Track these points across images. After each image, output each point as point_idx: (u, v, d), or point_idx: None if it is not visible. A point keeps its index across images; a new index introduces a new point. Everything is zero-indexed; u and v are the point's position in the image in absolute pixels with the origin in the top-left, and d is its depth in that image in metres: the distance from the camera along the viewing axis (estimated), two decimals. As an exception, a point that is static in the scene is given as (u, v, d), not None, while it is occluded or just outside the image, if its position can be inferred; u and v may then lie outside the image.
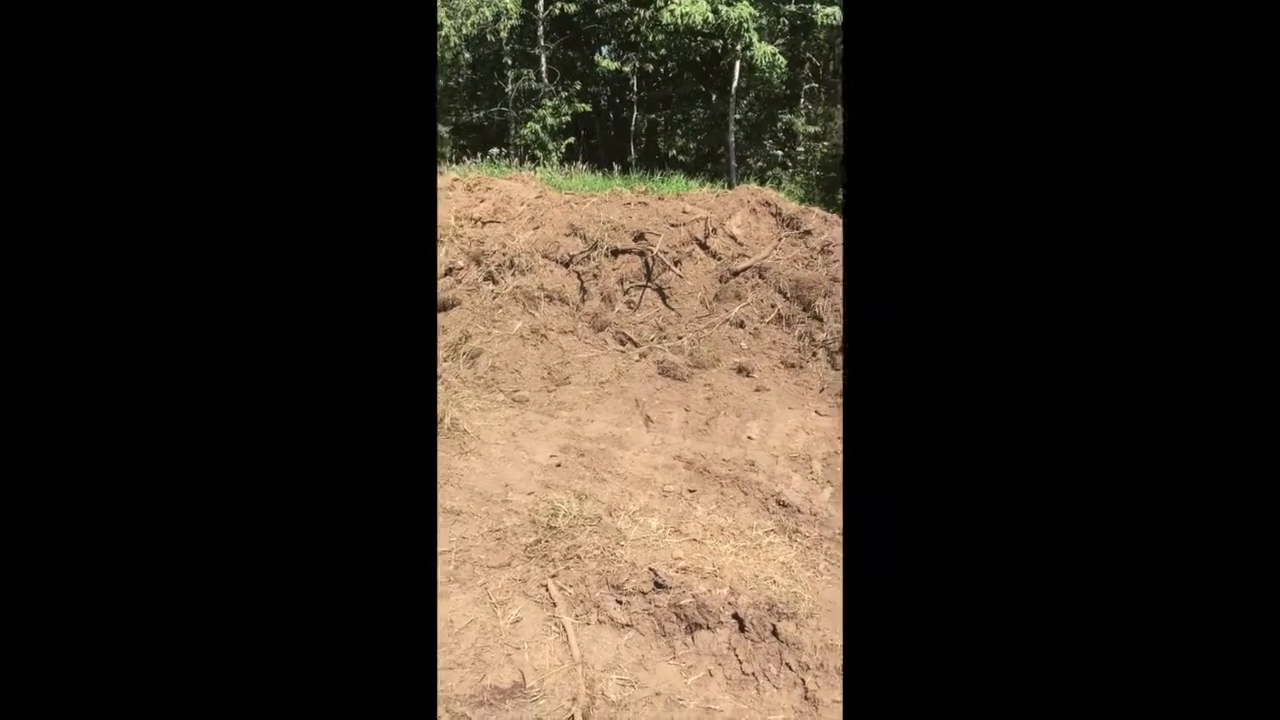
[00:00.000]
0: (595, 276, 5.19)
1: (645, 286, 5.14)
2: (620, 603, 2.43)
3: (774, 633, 2.31)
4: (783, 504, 3.22)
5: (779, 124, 16.58)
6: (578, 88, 14.95)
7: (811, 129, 15.66)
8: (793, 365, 4.55)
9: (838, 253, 5.00)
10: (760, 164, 16.01)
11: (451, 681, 2.12)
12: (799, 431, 3.96)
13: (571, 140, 14.50)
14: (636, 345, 4.82)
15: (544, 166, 10.39)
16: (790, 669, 2.22)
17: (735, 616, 2.37)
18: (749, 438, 3.88)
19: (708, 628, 2.34)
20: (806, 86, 16.49)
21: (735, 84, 14.59)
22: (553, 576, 2.59)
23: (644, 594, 2.46)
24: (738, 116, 15.69)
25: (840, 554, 2.92)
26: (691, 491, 3.30)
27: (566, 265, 5.26)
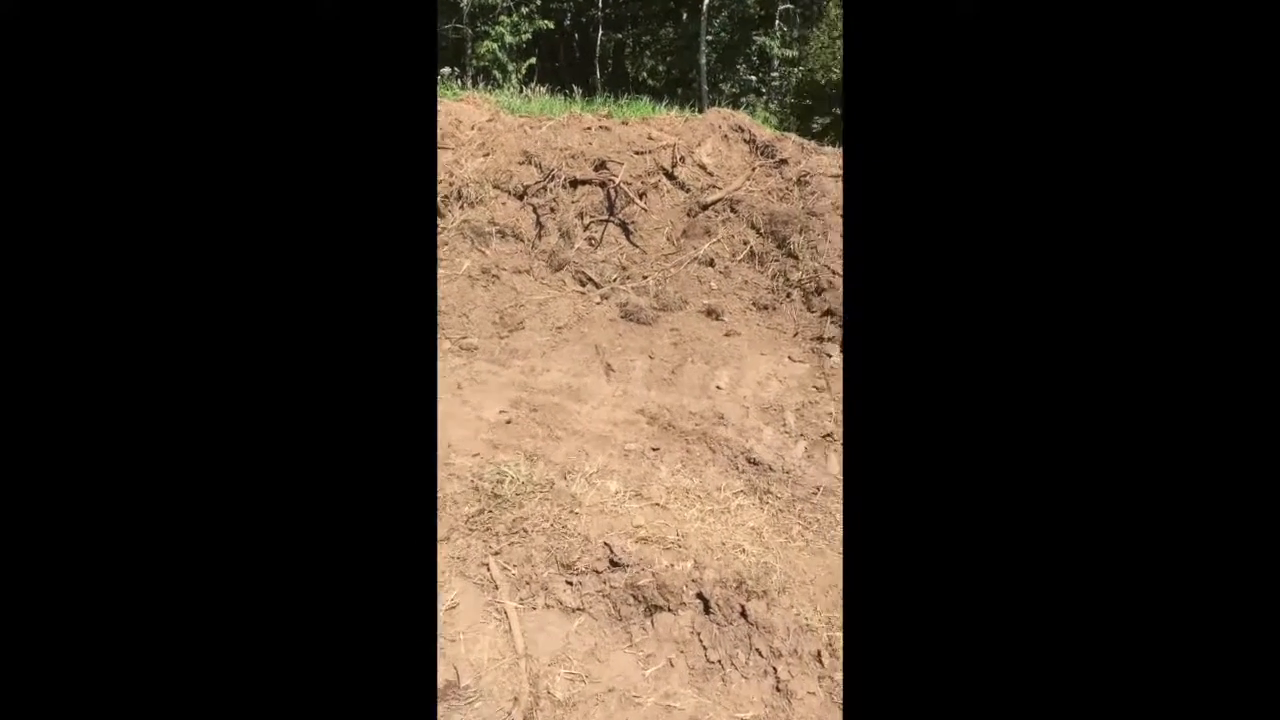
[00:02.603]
0: (552, 210, 4.76)
1: (607, 221, 4.73)
2: (571, 584, 2.17)
3: (742, 614, 2.08)
4: (753, 461, 2.97)
5: (753, 47, 15.76)
6: (538, 3, 13.91)
7: (787, 53, 14.91)
8: (765, 307, 4.24)
9: (815, 183, 4.63)
10: (734, 89, 15.28)
11: (375, 683, 1.85)
12: (771, 379, 3.69)
13: (533, 61, 13.57)
14: (598, 286, 4.46)
15: (503, 89, 9.65)
16: (760, 655, 1.99)
17: (700, 596, 2.13)
18: (718, 387, 3.60)
19: (669, 610, 2.09)
20: (782, 7, 15.63)
21: (707, 1, 13.72)
22: (495, 554, 2.31)
23: (598, 573, 2.20)
24: (709, 37, 14.85)
25: (814, 516, 2.69)
26: (655, 450, 3.03)
27: (520, 197, 4.81)
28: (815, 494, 2.81)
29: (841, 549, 2.53)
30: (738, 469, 2.95)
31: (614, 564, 2.20)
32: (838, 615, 2.17)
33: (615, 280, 4.46)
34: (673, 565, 2.25)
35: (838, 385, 3.63)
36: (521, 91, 8.90)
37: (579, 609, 2.11)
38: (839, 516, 2.68)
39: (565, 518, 2.47)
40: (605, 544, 2.29)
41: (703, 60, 14.21)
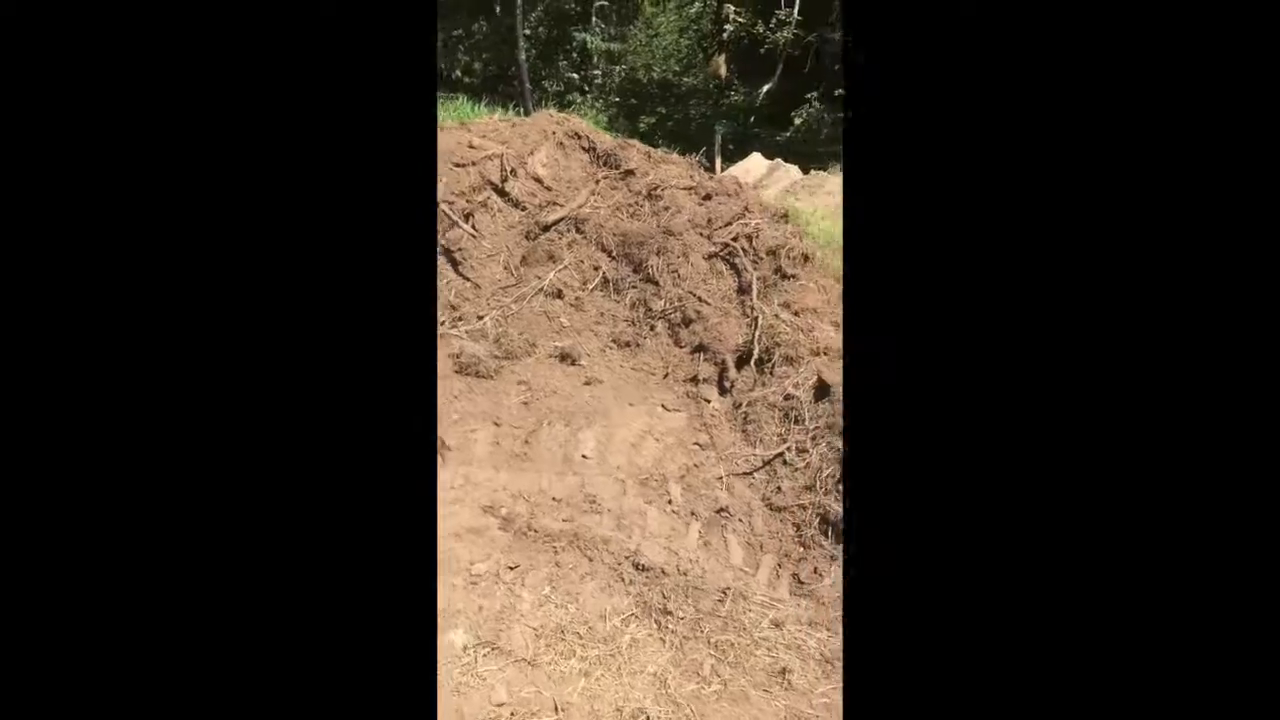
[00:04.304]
0: (354, 239, 3.82)
1: (427, 250, 3.88)
2: None
3: None
4: (641, 567, 2.34)
5: (573, 42, 15.20)
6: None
7: (611, 46, 14.50)
8: (627, 344, 3.64)
9: (667, 197, 4.09)
10: (557, 87, 14.62)
11: None
12: (646, 439, 3.08)
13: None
14: (421, 332, 3.61)
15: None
16: None
17: (604, 840, 1.45)
18: (584, 456, 2.94)
19: None
20: (598, 3, 15.22)
21: (521, -7, 12.95)
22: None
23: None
24: (527, 32, 14.07)
25: (727, 638, 2.11)
26: (513, 569, 2.30)
27: (311, 225, 3.81)
28: (722, 601, 2.24)
29: (769, 685, 1.97)
30: (623, 580, 2.30)
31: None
32: (788, 809, 1.60)
33: (444, 323, 3.64)
34: (558, 785, 1.55)
35: (721, 437, 3.11)
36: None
37: None
38: (756, 634, 2.13)
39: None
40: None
41: (522, 56, 13.39)
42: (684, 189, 4.14)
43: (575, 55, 15.48)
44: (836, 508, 2.47)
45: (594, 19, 15.30)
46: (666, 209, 4.01)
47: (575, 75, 15.58)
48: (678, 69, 16.25)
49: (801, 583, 2.35)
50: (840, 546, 2.39)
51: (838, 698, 1.90)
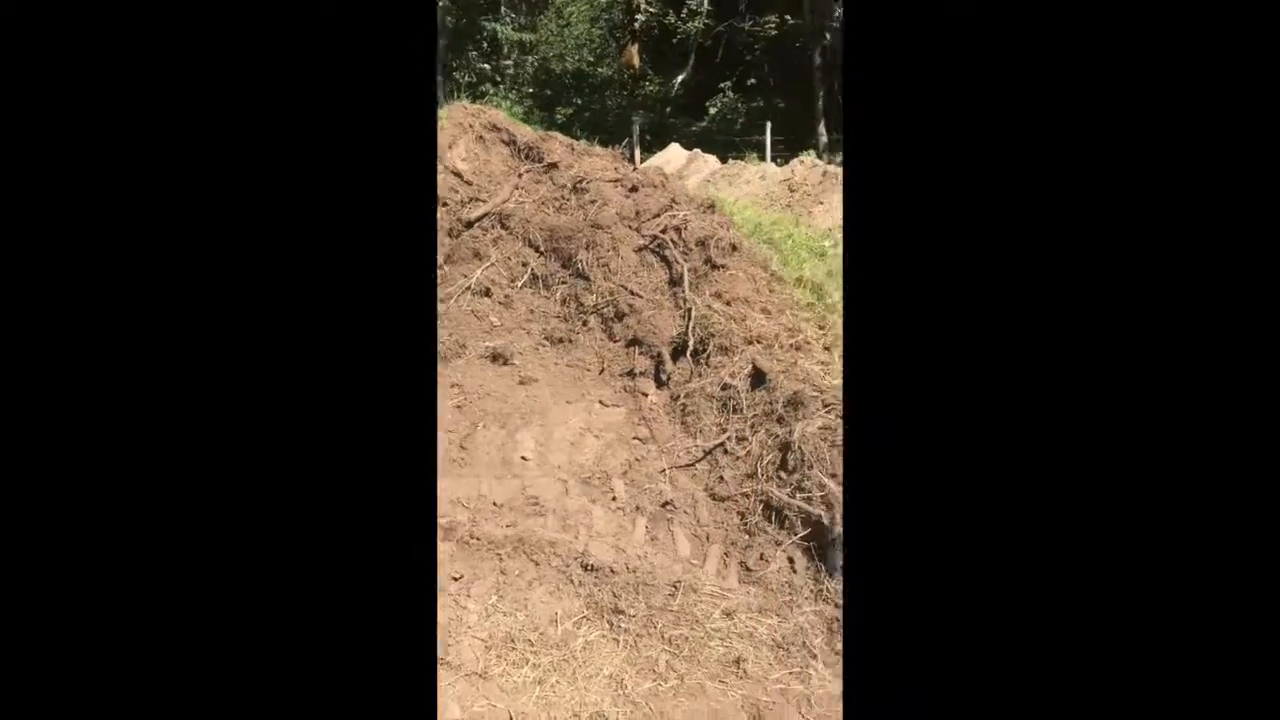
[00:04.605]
0: (262, 241, 3.59)
1: (343, 250, 3.69)
2: None
3: None
4: (589, 567, 2.30)
5: (483, 32, 14.83)
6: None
7: (522, 37, 14.24)
8: (560, 340, 3.57)
9: (593, 190, 4.04)
10: (469, 78, 14.24)
11: None
12: (585, 436, 3.04)
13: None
14: (341, 338, 3.43)
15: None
16: None
17: None
18: (523, 458, 2.87)
19: None
20: (507, -10, 14.91)
21: (427, -20, 12.51)
22: None
23: None
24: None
25: (680, 632, 2.11)
26: (457, 579, 2.22)
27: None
28: (673, 595, 2.23)
29: (731, 667, 1.99)
30: (572, 582, 2.26)
31: None
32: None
33: (365, 327, 3.47)
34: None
35: (661, 430, 3.10)
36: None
37: None
38: (708, 625, 2.14)
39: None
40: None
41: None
42: (609, 181, 4.10)
43: (486, 45, 15.12)
44: (779, 494, 2.51)
45: (504, 8, 14.98)
46: (593, 202, 3.96)
47: (487, 65, 15.21)
48: (591, 59, 16.11)
49: (749, 570, 2.37)
50: (785, 532, 2.43)
51: (793, 683, 1.93)
